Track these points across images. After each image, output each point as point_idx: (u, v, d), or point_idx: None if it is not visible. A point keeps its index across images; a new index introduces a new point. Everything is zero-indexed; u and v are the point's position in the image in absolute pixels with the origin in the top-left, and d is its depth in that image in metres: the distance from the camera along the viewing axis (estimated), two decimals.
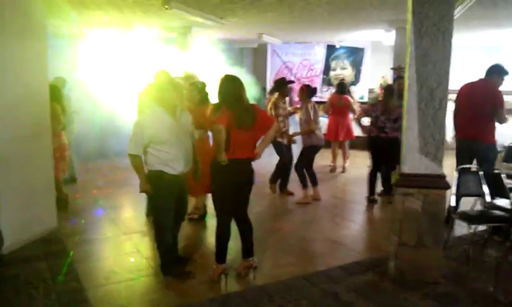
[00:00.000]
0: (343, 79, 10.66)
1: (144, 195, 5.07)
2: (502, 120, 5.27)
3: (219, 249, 3.91)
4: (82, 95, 8.48)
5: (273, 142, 6.21)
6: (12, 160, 4.53)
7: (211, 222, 5.38)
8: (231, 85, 3.81)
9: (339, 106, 8.66)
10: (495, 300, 3.64)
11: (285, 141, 6.54)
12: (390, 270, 3.97)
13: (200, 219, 5.58)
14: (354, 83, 12.61)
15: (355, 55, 12.76)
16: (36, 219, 4.88)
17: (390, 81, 8.82)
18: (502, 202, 4.52)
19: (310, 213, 6.07)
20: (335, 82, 11.30)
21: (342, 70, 12.91)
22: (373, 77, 12.04)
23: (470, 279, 4.00)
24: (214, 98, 5.28)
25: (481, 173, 4.62)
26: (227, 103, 3.72)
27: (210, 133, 5.13)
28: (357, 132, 8.81)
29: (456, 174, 4.56)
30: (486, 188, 4.52)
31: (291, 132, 6.79)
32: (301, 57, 13.35)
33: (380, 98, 6.55)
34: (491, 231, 4.82)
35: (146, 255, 4.54)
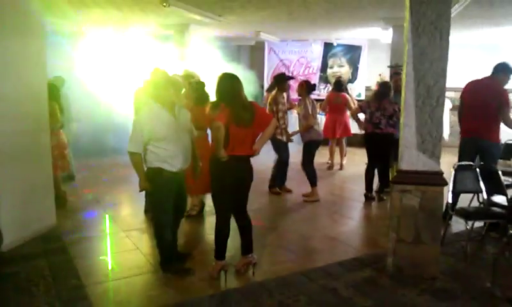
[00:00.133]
0: (340, 77, 10.68)
1: (143, 192, 5.10)
2: (510, 124, 5.21)
3: (218, 246, 3.93)
4: (80, 93, 8.47)
5: (272, 140, 6.22)
6: (11, 158, 4.53)
7: (210, 218, 5.40)
8: (229, 83, 3.82)
9: (336, 104, 8.70)
10: (492, 295, 3.67)
11: (284, 138, 6.56)
12: (388, 267, 4.00)
13: (197, 215, 5.60)
14: (351, 81, 12.63)
15: (352, 53, 12.78)
16: (35, 216, 4.88)
17: (387, 78, 8.84)
18: (498, 199, 4.57)
19: (308, 211, 6.10)
20: (332, 80, 11.32)
21: (339, 68, 12.91)
22: (370, 75, 12.06)
23: (467, 275, 4.04)
24: (212, 96, 5.34)
25: (478, 169, 4.66)
26: (225, 100, 3.74)
27: (209, 132, 5.16)
28: (354, 129, 8.86)
29: (453, 171, 4.59)
30: (482, 185, 4.56)
31: (290, 130, 6.81)
32: (298, 54, 13.35)
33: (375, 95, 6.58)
34: (488, 227, 4.87)
35: (146, 252, 4.55)
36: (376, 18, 8.80)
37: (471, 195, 5.02)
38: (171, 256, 4.02)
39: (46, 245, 4.68)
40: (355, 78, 12.76)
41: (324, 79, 13.05)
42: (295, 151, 7.24)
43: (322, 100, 9.84)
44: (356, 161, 8.89)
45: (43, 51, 5.05)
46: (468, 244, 4.42)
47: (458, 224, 5.14)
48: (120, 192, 7.03)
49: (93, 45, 10.28)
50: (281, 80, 6.71)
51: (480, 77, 5.48)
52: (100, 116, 9.09)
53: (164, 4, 7.01)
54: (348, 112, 8.68)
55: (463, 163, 4.79)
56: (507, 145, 6.04)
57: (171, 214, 3.92)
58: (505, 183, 4.63)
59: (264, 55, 13.61)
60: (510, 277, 3.98)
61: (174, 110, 3.87)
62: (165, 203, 3.87)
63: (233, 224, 3.99)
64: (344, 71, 12.82)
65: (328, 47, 12.94)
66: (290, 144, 6.88)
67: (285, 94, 6.79)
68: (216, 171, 3.80)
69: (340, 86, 8.90)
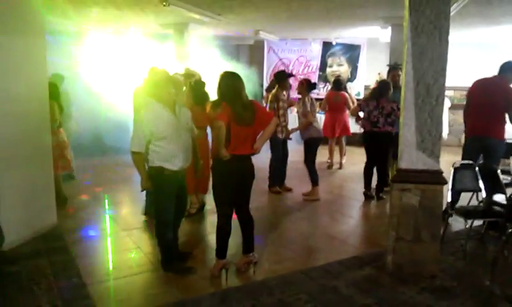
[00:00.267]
0: (339, 76, 10.70)
1: (143, 191, 5.12)
2: None
3: (219, 245, 3.95)
4: (80, 92, 8.48)
5: (273, 139, 6.23)
6: (12, 157, 4.54)
7: (211, 217, 5.42)
8: (230, 81, 3.83)
9: (336, 103, 8.72)
10: (491, 293, 3.70)
11: (282, 136, 6.57)
12: (387, 265, 4.02)
13: (197, 213, 5.61)
14: (350, 80, 12.66)
15: (351, 52, 12.80)
16: (36, 215, 4.90)
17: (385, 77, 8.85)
18: (497, 197, 4.59)
19: (308, 209, 6.12)
20: (331, 79, 11.34)
21: (339, 67, 12.94)
22: (369, 74, 12.08)
23: (466, 273, 4.07)
24: (212, 95, 5.35)
25: (477, 168, 4.68)
26: (227, 99, 3.75)
27: (208, 131, 5.19)
28: (353, 128, 8.89)
29: (452, 170, 4.61)
30: (482, 184, 4.58)
31: (289, 127, 6.83)
32: (298, 53, 13.37)
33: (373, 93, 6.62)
34: (487, 226, 4.89)
35: (146, 251, 4.57)
36: (375, 17, 8.83)
37: (470, 194, 5.04)
38: (172, 255, 4.04)
39: (47, 244, 4.69)
40: (354, 77, 12.79)
41: (323, 78, 13.07)
42: (295, 149, 7.26)
43: (321, 99, 9.86)
44: (356, 160, 8.91)
45: (44, 50, 5.05)
46: (467, 243, 4.45)
47: (457, 223, 5.17)
48: (120, 191, 7.04)
49: (93, 44, 10.29)
50: (282, 78, 6.73)
51: (488, 76, 5.46)
52: (100, 115, 9.10)
53: (164, 3, 7.02)
54: (347, 111, 8.71)
55: (462, 162, 4.81)
56: (507, 144, 6.05)
57: (172, 213, 3.94)
58: (504, 181, 4.65)
59: (263, 54, 13.62)
60: (509, 275, 4.01)
61: (175, 109, 3.89)
62: (166, 201, 3.88)
63: (234, 222, 4.01)
64: (343, 70, 12.85)
65: (327, 46, 12.97)
66: (289, 143, 6.91)
67: (285, 92, 6.81)
68: (218, 170, 3.82)
69: (339, 84, 8.91)
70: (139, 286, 3.88)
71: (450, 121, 11.52)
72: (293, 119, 7.94)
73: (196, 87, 5.48)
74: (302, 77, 11.65)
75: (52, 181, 5.24)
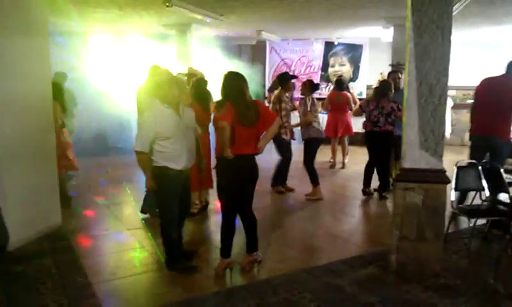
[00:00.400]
0: (341, 76, 10.70)
1: (146, 191, 5.16)
2: None
3: (224, 244, 3.97)
4: (83, 92, 8.51)
5: (276, 139, 6.25)
6: (16, 157, 4.57)
7: (215, 217, 5.45)
8: (234, 82, 3.86)
9: (338, 103, 8.73)
10: (495, 292, 3.71)
11: (287, 138, 6.58)
12: (391, 264, 4.03)
13: (200, 212, 5.63)
14: (352, 79, 12.66)
15: (353, 51, 12.80)
16: (41, 215, 4.92)
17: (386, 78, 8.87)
18: (501, 196, 4.60)
19: (311, 209, 6.13)
20: (334, 79, 11.34)
21: (341, 67, 12.94)
22: (371, 74, 12.08)
23: (470, 272, 4.08)
24: (214, 94, 5.38)
25: (480, 167, 4.69)
26: (230, 99, 3.77)
27: (210, 131, 5.23)
28: (356, 128, 8.90)
29: (455, 169, 4.62)
30: (485, 183, 4.59)
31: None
32: (300, 53, 13.37)
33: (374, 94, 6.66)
34: (490, 224, 4.90)
35: (151, 250, 4.59)
36: (377, 17, 8.83)
37: (474, 193, 5.06)
38: (177, 254, 4.06)
39: (52, 243, 4.72)
40: (356, 77, 12.79)
41: (326, 78, 13.07)
42: (295, 149, 7.26)
43: (323, 98, 9.87)
44: (358, 160, 8.91)
45: (47, 50, 5.08)
46: (471, 241, 4.46)
47: (461, 222, 5.18)
48: (123, 190, 7.06)
49: (96, 45, 10.33)
50: (284, 79, 6.75)
51: (495, 75, 5.45)
52: (104, 114, 9.13)
53: (167, 4, 7.04)
54: (350, 111, 8.73)
55: (466, 161, 4.82)
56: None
57: (177, 212, 3.96)
58: (507, 180, 4.66)
59: (265, 54, 13.63)
60: None
61: (179, 109, 3.91)
62: (171, 201, 3.91)
63: (238, 222, 4.03)
64: (345, 70, 12.85)
65: (329, 45, 12.97)
66: (292, 143, 6.92)
67: (288, 94, 6.82)
68: (222, 170, 3.84)
69: (341, 84, 8.93)
70: (143, 285, 3.90)
71: (453, 121, 11.52)
72: (295, 119, 7.93)
73: (198, 85, 5.51)
74: (304, 77, 11.69)
75: (56, 181, 5.26)
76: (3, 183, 4.47)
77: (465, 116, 10.23)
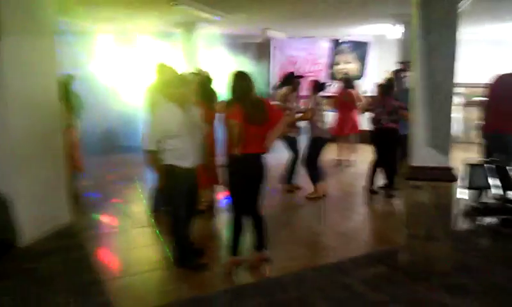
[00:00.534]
0: (347, 74, 10.67)
1: (153, 190, 5.18)
2: None
3: (232, 242, 3.99)
4: (90, 91, 8.54)
5: (284, 137, 6.25)
6: (26, 157, 4.62)
7: (224, 215, 5.45)
8: (241, 81, 3.87)
9: (345, 101, 8.72)
10: (504, 290, 3.70)
11: (294, 136, 6.58)
12: (400, 262, 4.03)
13: (208, 210, 5.65)
14: (359, 77, 12.61)
15: (359, 49, 12.75)
16: (51, 213, 4.98)
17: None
18: (510, 194, 4.58)
19: (319, 207, 6.12)
20: (340, 77, 11.32)
21: (347, 65, 12.90)
22: (378, 71, 12.04)
23: (480, 270, 4.06)
24: (220, 92, 5.38)
25: (488, 166, 4.67)
26: (238, 98, 3.79)
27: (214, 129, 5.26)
28: (364, 126, 8.87)
29: (464, 167, 4.61)
30: (494, 181, 4.57)
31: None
32: (306, 51, 13.33)
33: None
34: (500, 222, 4.88)
35: (160, 248, 4.61)
36: (384, 14, 8.80)
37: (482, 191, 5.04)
38: (186, 251, 4.08)
39: (62, 241, 4.76)
40: (363, 75, 12.75)
41: (332, 76, 13.04)
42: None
43: (329, 96, 9.85)
44: (366, 158, 8.87)
45: (54, 50, 5.12)
46: (480, 240, 4.44)
47: (470, 220, 5.15)
48: (132, 189, 7.08)
49: (102, 43, 10.36)
50: (291, 79, 6.75)
51: (508, 72, 5.41)
52: (111, 113, 9.17)
53: (172, 2, 7.04)
54: (357, 109, 8.71)
55: (475, 159, 4.81)
56: None
57: (186, 210, 3.98)
58: None
59: (270, 52, 13.61)
60: None
61: (186, 107, 3.92)
62: (179, 198, 3.93)
63: (247, 220, 4.04)
64: (352, 67, 12.80)
65: (334, 43, 12.94)
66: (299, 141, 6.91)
67: (294, 93, 6.81)
68: (230, 168, 3.86)
69: (348, 82, 8.92)
70: (153, 283, 3.93)
71: (464, 119, 11.44)
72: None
73: (202, 83, 5.52)
74: (310, 75, 11.67)
75: (64, 180, 5.30)
76: (14, 181, 4.51)
77: (473, 113, 10.16)
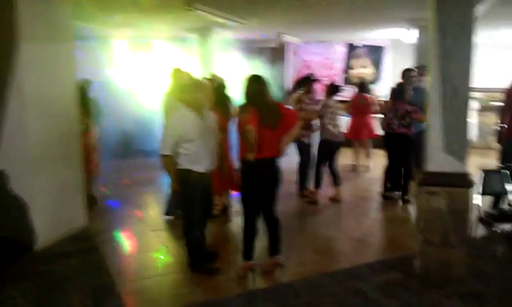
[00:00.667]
0: (363, 78, 10.62)
1: (168, 194, 5.22)
2: None
3: (246, 246, 4.00)
4: (107, 95, 8.65)
5: (297, 141, 6.24)
6: (43, 159, 4.70)
7: (237, 219, 5.46)
8: (256, 85, 3.89)
9: (360, 105, 8.68)
10: None
11: (308, 141, 6.56)
12: (415, 269, 3.99)
13: (221, 215, 5.66)
14: (374, 82, 12.53)
15: (375, 53, 12.69)
16: (67, 216, 5.05)
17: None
18: None
19: (333, 212, 6.11)
20: (355, 81, 11.27)
21: (362, 69, 12.85)
22: (393, 75, 11.96)
23: (495, 278, 4.00)
24: (234, 98, 5.40)
25: (504, 171, 4.60)
26: (253, 103, 3.80)
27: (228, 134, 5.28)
28: (379, 130, 8.80)
29: (479, 173, 4.55)
30: (508, 187, 4.50)
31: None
32: (321, 56, 13.32)
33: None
34: None
35: (174, 251, 4.65)
36: (400, 18, 8.74)
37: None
38: (199, 255, 4.10)
39: (78, 244, 4.83)
40: (378, 79, 12.67)
41: (347, 81, 12.99)
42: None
43: (345, 101, 9.80)
44: (381, 162, 8.82)
45: (73, 55, 5.21)
46: (496, 247, 4.37)
47: (486, 226, 5.07)
48: (147, 193, 7.15)
49: (119, 49, 10.51)
50: (307, 82, 6.75)
51: None
52: (128, 118, 9.28)
53: (188, 7, 7.11)
54: (372, 114, 8.67)
55: (491, 164, 4.74)
56: None
57: (200, 214, 4.00)
58: None
59: (286, 56, 13.63)
60: None
61: (201, 112, 3.96)
62: (194, 203, 3.96)
63: (260, 225, 4.04)
64: (367, 72, 12.75)
65: (350, 48, 12.90)
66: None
67: (309, 96, 6.79)
68: (244, 172, 3.87)
69: (364, 87, 8.88)
70: (167, 286, 3.96)
71: (479, 124, 11.29)
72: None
73: (216, 89, 5.55)
74: (326, 79, 11.64)
75: (81, 183, 5.38)
76: (31, 184, 4.60)
77: (490, 118, 10.01)
